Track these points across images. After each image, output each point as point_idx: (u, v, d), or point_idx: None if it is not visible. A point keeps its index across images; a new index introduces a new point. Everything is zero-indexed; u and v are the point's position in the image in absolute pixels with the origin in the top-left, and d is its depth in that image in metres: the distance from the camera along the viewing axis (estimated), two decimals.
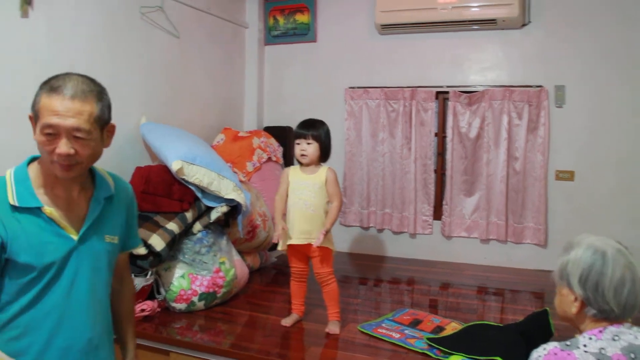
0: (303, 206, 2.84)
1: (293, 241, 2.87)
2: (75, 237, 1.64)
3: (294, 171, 2.94)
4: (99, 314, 1.73)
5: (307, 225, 2.83)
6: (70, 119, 1.50)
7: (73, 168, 1.57)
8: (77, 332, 1.65)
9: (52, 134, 1.50)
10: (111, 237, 1.75)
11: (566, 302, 1.70)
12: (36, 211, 1.58)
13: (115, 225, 1.78)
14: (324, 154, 2.91)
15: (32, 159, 1.67)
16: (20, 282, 1.57)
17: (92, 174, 1.78)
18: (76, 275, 1.64)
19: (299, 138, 2.89)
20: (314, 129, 2.88)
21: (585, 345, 1.57)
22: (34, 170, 1.64)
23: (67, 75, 1.59)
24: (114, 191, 1.79)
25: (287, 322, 2.98)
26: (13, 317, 1.58)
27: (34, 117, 1.55)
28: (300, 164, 2.94)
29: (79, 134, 1.53)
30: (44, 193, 1.62)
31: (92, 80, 1.63)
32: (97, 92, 1.61)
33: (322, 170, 2.89)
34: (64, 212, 1.64)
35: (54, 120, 1.49)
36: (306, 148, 2.86)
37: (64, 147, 1.51)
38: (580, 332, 1.67)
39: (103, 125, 1.62)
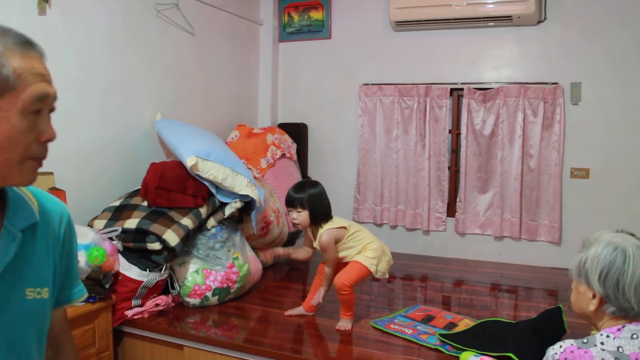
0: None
1: None
2: None
3: (309, 230, 2.97)
4: None
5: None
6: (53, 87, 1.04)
7: None
8: None
9: (39, 111, 1.01)
10: (36, 290, 1.09)
11: (584, 299, 1.69)
12: None
13: (42, 270, 1.12)
14: (316, 218, 2.83)
15: None
16: None
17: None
18: None
19: (289, 207, 2.87)
20: (301, 194, 2.81)
21: (602, 344, 1.56)
22: None
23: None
24: (39, 217, 1.13)
25: (290, 312, 3.03)
26: None
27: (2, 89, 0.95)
28: None
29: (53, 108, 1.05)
30: None
31: None
32: None
33: (319, 235, 2.85)
34: None
35: (47, 88, 1.02)
36: (297, 217, 2.83)
37: (53, 129, 1.03)
38: (598, 329, 1.66)
39: None
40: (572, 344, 1.60)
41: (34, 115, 0.98)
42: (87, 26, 3.16)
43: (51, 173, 2.88)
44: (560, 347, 1.62)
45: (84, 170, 3.20)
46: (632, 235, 1.67)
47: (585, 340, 1.59)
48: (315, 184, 2.89)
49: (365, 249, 2.87)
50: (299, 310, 3.03)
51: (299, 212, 2.81)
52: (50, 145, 1.01)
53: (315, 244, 2.89)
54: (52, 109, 1.03)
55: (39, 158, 1.02)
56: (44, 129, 1.01)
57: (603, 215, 4.13)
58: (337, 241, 2.84)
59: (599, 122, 4.14)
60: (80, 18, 3.11)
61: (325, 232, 2.82)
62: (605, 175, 4.15)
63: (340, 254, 2.88)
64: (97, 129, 3.27)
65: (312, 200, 2.81)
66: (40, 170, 1.06)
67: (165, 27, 3.80)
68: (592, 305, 1.65)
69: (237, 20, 4.72)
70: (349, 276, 2.81)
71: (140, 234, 2.93)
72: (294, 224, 2.87)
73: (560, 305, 2.64)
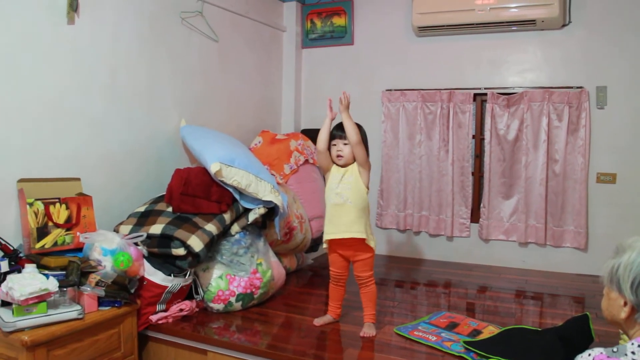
0: (339, 200, 2.83)
1: (331, 236, 2.88)
2: None
3: (334, 167, 2.92)
4: None
5: (344, 217, 2.82)
6: None
7: None
8: None
9: None
10: None
11: (615, 306, 1.65)
12: None
13: None
14: None
15: None
16: None
17: None
18: None
19: (335, 139, 2.88)
20: None
21: (633, 353, 1.52)
22: None
23: None
24: None
25: (318, 321, 3.01)
26: None
27: None
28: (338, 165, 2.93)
29: None
30: None
31: None
32: None
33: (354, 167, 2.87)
34: None
35: None
36: (342, 149, 2.85)
37: None
38: (630, 337, 1.63)
39: None
40: (601, 353, 1.56)
41: None
42: (113, 34, 3.21)
43: (78, 179, 2.92)
44: (589, 355, 1.58)
45: (110, 176, 3.24)
46: None
47: (615, 349, 1.56)
48: (359, 124, 2.91)
49: (369, 226, 2.89)
50: (327, 318, 3.03)
51: (345, 144, 2.83)
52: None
53: (350, 174, 2.85)
54: None
55: None
56: None
57: (630, 221, 4.06)
58: (364, 180, 2.85)
59: (625, 126, 4.08)
60: (107, 27, 3.16)
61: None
62: (632, 180, 4.08)
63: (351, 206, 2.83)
64: (123, 135, 3.32)
65: (362, 136, 2.85)
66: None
67: (189, 34, 3.84)
68: (624, 313, 1.62)
69: (260, 27, 4.75)
70: (369, 267, 2.90)
71: (165, 239, 2.95)
72: (337, 156, 2.86)
73: (588, 312, 2.60)
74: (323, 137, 2.88)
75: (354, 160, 2.87)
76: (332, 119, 2.91)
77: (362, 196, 2.83)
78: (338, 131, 2.88)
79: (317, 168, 4.55)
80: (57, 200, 2.70)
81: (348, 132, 2.78)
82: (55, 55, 2.85)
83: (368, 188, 2.88)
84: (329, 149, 2.90)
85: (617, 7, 4.03)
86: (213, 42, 4.08)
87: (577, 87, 4.15)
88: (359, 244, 2.85)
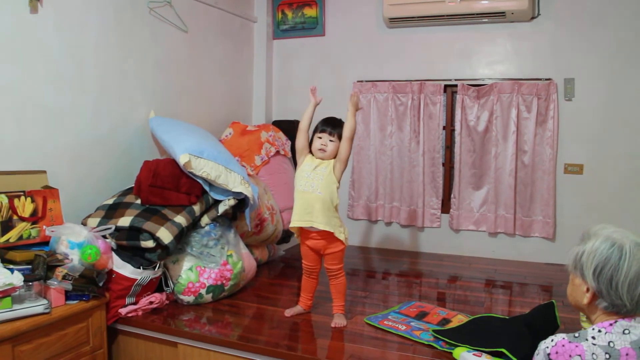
0: (309, 188, 2.80)
1: (296, 224, 2.86)
2: None
3: (310, 156, 2.89)
4: None
5: (310, 207, 2.79)
6: None
7: None
8: None
9: None
10: None
11: (578, 291, 1.69)
12: None
13: None
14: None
15: None
16: None
17: None
18: None
19: (323, 132, 2.83)
20: (341, 128, 2.81)
21: (594, 338, 1.56)
22: None
23: None
24: None
25: (289, 312, 3.01)
26: None
27: None
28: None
29: None
30: None
31: None
32: None
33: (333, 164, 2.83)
34: None
35: None
36: (327, 144, 2.80)
37: None
38: (592, 322, 1.66)
39: None
40: (563, 338, 1.60)
41: None
42: (79, 24, 3.15)
43: (44, 171, 2.87)
44: (552, 340, 1.62)
45: (78, 168, 3.19)
46: None
47: (576, 335, 1.60)
48: None
49: (338, 219, 2.87)
50: (297, 309, 3.03)
51: (332, 140, 2.80)
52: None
53: (325, 166, 2.82)
54: None
55: None
56: None
57: (597, 211, 4.13)
58: (337, 175, 2.82)
59: (592, 118, 4.15)
60: (72, 16, 3.10)
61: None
62: (598, 171, 4.16)
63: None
64: (90, 127, 3.26)
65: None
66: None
67: (157, 24, 3.79)
68: (586, 299, 1.65)
69: (230, 17, 4.70)
70: (339, 260, 2.90)
71: (133, 231, 2.92)
72: (320, 149, 2.82)
73: (554, 300, 2.65)
74: (305, 117, 2.90)
75: (334, 157, 2.84)
76: (316, 104, 2.91)
77: (331, 189, 2.80)
78: (327, 126, 2.84)
79: (288, 159, 4.55)
80: (21, 193, 2.64)
81: (346, 126, 2.77)
82: (18, 45, 2.78)
83: (339, 183, 2.86)
84: (311, 142, 2.88)
85: (585, 0, 4.09)
86: (182, 32, 4.03)
87: (546, 79, 4.21)
88: (329, 237, 2.84)
